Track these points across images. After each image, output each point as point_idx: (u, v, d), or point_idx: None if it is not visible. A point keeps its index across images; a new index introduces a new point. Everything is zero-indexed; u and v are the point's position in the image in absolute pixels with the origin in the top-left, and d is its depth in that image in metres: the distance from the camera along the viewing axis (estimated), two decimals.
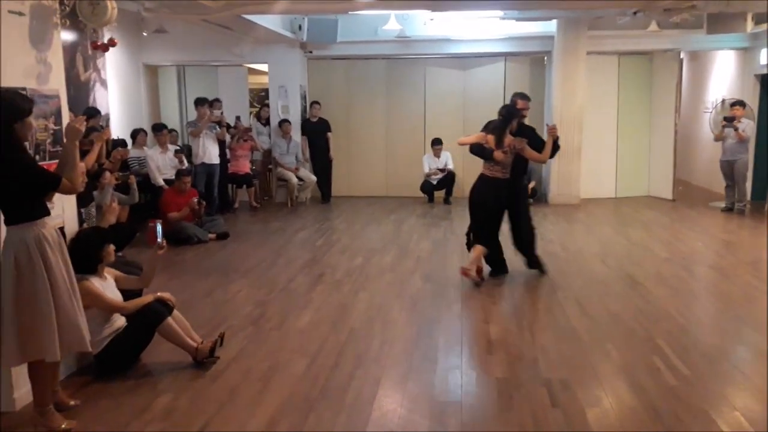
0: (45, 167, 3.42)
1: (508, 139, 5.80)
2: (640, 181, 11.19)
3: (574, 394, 3.75)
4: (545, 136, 6.11)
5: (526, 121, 6.24)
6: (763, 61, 9.89)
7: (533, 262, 6.31)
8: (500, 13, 8.63)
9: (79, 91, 8.85)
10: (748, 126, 9.32)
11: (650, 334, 4.67)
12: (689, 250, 7.40)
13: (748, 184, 9.78)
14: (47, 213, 3.28)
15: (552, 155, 6.06)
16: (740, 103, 9.48)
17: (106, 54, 9.53)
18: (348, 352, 4.36)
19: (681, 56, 10.72)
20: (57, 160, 3.64)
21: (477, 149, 5.99)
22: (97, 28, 4.07)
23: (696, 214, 9.61)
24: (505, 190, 5.92)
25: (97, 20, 3.98)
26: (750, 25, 10.05)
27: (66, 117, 4.07)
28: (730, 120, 9.28)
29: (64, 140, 3.42)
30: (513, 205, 6.08)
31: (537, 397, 3.73)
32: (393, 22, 9.57)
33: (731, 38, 10.22)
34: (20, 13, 3.65)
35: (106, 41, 4.13)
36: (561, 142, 6.17)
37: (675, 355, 4.27)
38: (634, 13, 7.66)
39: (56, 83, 4.00)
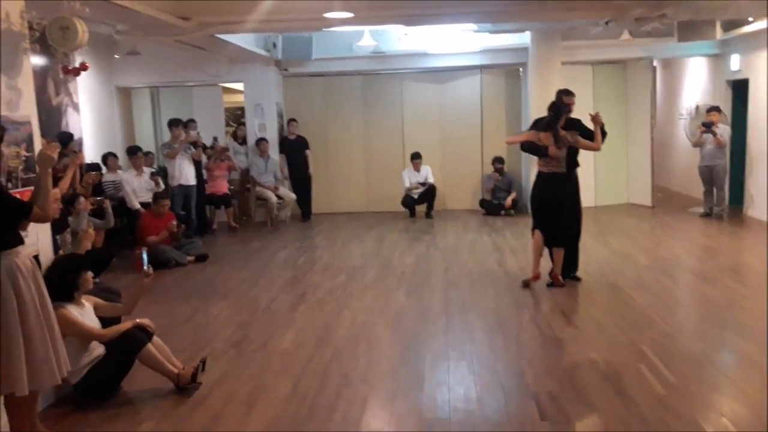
0: (16, 195, 3.34)
1: (561, 133, 5.89)
2: (620, 189, 11.28)
3: (561, 406, 3.73)
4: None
5: None
6: (734, 67, 10.06)
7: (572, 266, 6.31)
8: (474, 26, 8.68)
9: (50, 115, 8.73)
10: (725, 131, 9.45)
11: (635, 342, 4.67)
12: (670, 257, 7.44)
13: (726, 189, 9.90)
14: (20, 242, 3.19)
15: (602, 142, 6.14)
16: (716, 109, 9.62)
17: (78, 78, 9.44)
18: (333, 372, 4.30)
19: (654, 64, 10.87)
20: (30, 188, 3.56)
21: (529, 147, 6.13)
22: (67, 52, 3.98)
23: (675, 220, 9.70)
24: (565, 183, 6.04)
25: (67, 44, 3.92)
26: (719, 32, 10.21)
27: (38, 143, 3.99)
28: (708, 125, 9.40)
29: (36, 168, 3.33)
30: (569, 198, 6.13)
31: (525, 411, 3.70)
32: (368, 38, 9.59)
33: (702, 45, 10.38)
34: None
35: (77, 65, 4.02)
36: None
37: (661, 362, 4.27)
38: (606, 22, 7.74)
39: (27, 109, 3.92)
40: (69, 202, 6.55)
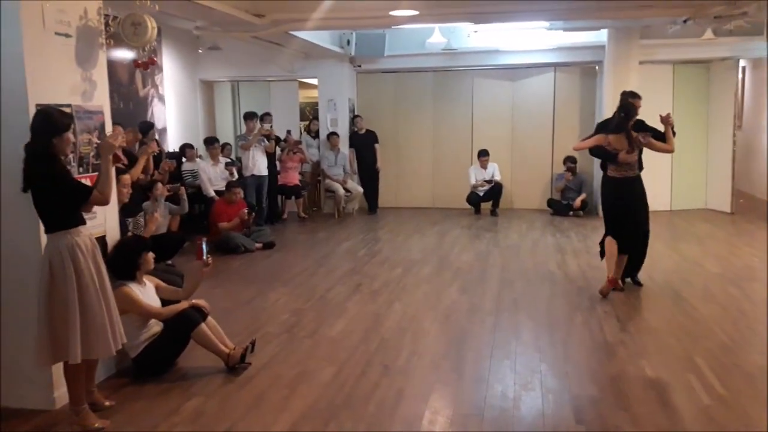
0: (78, 179, 3.62)
1: (633, 135, 5.74)
2: (697, 193, 10.83)
3: (600, 411, 3.68)
4: None
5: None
6: None
7: (634, 269, 6.16)
8: (546, 24, 8.55)
9: (137, 106, 9.30)
10: None
11: (689, 352, 4.53)
12: (743, 266, 7.10)
13: None
14: (82, 222, 3.46)
15: None
16: None
17: (165, 70, 9.99)
18: (376, 362, 4.40)
19: (742, 64, 10.33)
20: None
21: (599, 152, 5.95)
22: (138, 47, 4.25)
23: (755, 228, 9.22)
24: (635, 186, 5.90)
25: (138, 40, 4.19)
26: None
27: (109, 131, 4.29)
28: None
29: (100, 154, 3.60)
30: (640, 202, 5.98)
31: (562, 413, 3.68)
32: (438, 35, 9.62)
33: None
34: (67, 35, 3.89)
35: (146, 59, 4.29)
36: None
37: (713, 373, 4.14)
38: (684, 21, 7.45)
39: (100, 100, 4.22)
40: (147, 187, 6.97)
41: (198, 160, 9.28)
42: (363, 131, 10.90)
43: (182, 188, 7.81)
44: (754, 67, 12.43)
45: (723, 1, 6.24)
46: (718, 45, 9.51)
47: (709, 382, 4.00)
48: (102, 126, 4.20)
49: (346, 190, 10.58)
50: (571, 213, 10.32)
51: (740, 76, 11.63)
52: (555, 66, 10.86)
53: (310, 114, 12.91)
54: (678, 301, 5.78)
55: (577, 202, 10.35)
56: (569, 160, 10.50)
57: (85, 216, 3.56)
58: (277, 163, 10.12)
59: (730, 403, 3.74)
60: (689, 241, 8.41)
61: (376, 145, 10.90)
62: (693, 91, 10.61)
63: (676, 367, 4.29)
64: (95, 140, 4.05)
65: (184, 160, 9.20)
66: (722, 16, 6.64)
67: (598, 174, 10.43)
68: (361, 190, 10.79)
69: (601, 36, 10.08)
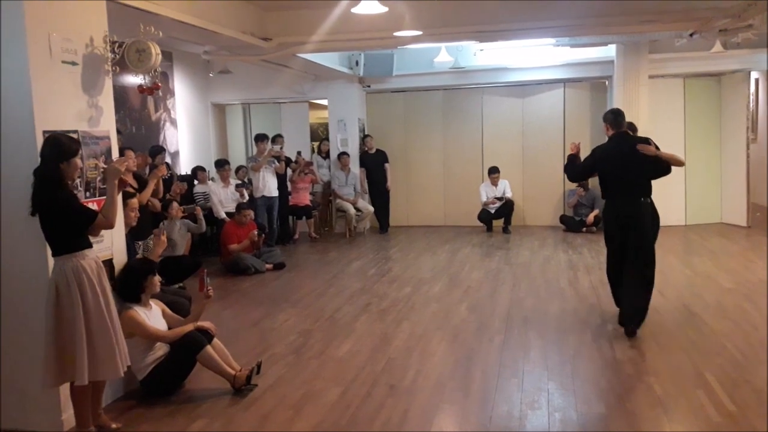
0: (84, 204, 3.68)
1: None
2: (712, 207, 10.72)
3: (607, 428, 3.64)
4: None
5: None
6: None
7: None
8: (552, 41, 8.57)
9: (150, 130, 9.44)
10: None
11: (699, 368, 4.47)
12: (757, 281, 7.00)
13: None
14: (88, 245, 3.52)
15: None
16: None
17: (177, 94, 10.15)
18: (382, 382, 4.39)
19: (754, 76, 10.25)
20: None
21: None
22: (142, 73, 4.34)
23: None
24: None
25: (142, 66, 4.27)
26: None
27: (115, 156, 4.36)
28: None
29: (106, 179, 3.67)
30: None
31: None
32: (444, 54, 9.69)
33: None
34: (73, 63, 3.98)
35: (150, 85, 4.38)
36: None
37: (722, 389, 4.08)
38: (690, 35, 7.44)
39: (106, 125, 4.29)
40: (163, 208, 7.08)
41: (209, 182, 9.38)
42: (373, 151, 10.96)
43: (198, 209, 7.91)
44: None
45: (728, 13, 6.22)
46: (728, 58, 9.49)
47: (718, 399, 3.94)
48: (108, 151, 4.27)
49: (357, 209, 10.61)
50: (584, 229, 10.26)
51: (753, 88, 11.56)
52: (564, 82, 10.87)
53: (321, 134, 13.01)
54: (689, 316, 5.71)
55: (590, 218, 10.29)
56: None
57: (92, 239, 3.62)
58: (288, 183, 10.19)
59: (738, 420, 3.68)
60: (702, 255, 8.32)
61: (387, 165, 10.95)
62: (704, 105, 10.55)
63: (686, 383, 4.23)
64: (102, 165, 4.12)
65: (195, 182, 9.30)
66: (728, 29, 6.62)
67: None
68: (371, 209, 10.83)
69: (609, 51, 10.09)
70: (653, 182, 5.48)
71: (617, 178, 5.39)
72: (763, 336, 5.19)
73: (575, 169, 5.82)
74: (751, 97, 11.19)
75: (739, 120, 10.20)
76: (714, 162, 10.60)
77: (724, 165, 10.57)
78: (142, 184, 5.96)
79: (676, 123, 10.55)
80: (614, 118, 5.50)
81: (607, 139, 5.59)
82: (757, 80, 12.29)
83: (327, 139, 11.43)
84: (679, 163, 5.51)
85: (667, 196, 10.47)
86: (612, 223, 5.48)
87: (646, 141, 5.48)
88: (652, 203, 5.49)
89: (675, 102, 10.53)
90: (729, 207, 10.54)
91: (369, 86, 11.17)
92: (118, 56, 4.26)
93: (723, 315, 5.72)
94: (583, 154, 5.87)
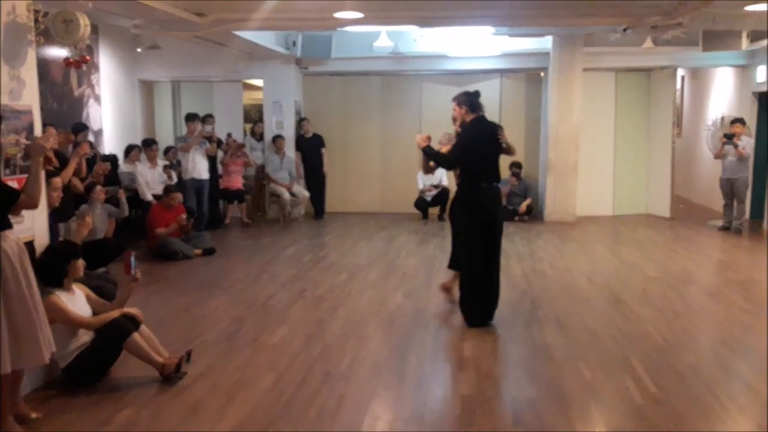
0: (9, 182, 3.45)
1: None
2: (639, 198, 11.12)
3: (538, 412, 3.71)
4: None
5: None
6: (760, 78, 9.86)
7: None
8: (491, 29, 8.65)
9: (72, 106, 8.98)
10: (747, 144, 9.25)
11: (625, 354, 4.61)
12: (680, 270, 7.31)
13: (747, 203, 9.69)
14: (8, 226, 3.30)
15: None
16: (740, 121, 9.43)
17: (101, 70, 9.69)
18: (317, 369, 4.34)
19: (680, 73, 10.66)
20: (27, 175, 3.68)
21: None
22: (69, 45, 4.09)
23: (693, 233, 9.52)
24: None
25: (70, 37, 4.03)
26: (745, 43, 10.01)
27: (39, 132, 4.11)
28: (729, 137, 9.23)
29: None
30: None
31: (500, 415, 3.70)
32: (384, 39, 9.62)
33: (727, 55, 10.18)
34: None
35: (78, 58, 4.14)
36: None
37: (647, 374, 4.22)
38: (624, 30, 7.65)
39: (29, 99, 4.04)
40: (86, 190, 6.73)
41: (137, 163, 9.01)
42: (309, 135, 10.79)
43: (121, 191, 7.57)
44: (693, 76, 12.90)
45: (660, 10, 6.42)
46: (657, 54, 9.84)
47: (643, 383, 4.08)
48: (31, 126, 4.02)
49: (292, 194, 10.45)
50: (517, 218, 10.45)
51: (679, 84, 12.04)
52: (501, 72, 11.00)
53: (255, 116, 12.72)
54: (616, 304, 5.90)
55: (523, 207, 10.50)
56: (514, 166, 10.62)
57: (12, 220, 3.40)
58: (219, 166, 9.91)
59: (662, 402, 3.82)
60: (630, 245, 8.62)
61: (323, 149, 10.81)
62: (634, 99, 10.92)
63: (613, 368, 4.37)
64: (23, 141, 3.87)
65: (120, 162, 8.92)
66: (658, 25, 6.84)
67: (543, 179, 10.67)
68: (307, 194, 10.68)
69: (546, 43, 10.27)
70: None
71: (483, 162, 5.27)
72: (685, 322, 5.42)
73: (451, 156, 5.61)
74: (677, 93, 11.66)
75: (666, 115, 10.61)
76: (642, 155, 11.00)
77: (651, 158, 10.97)
78: (64, 162, 5.66)
79: (607, 116, 10.88)
80: (474, 100, 5.33)
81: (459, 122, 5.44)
82: (683, 77, 12.83)
83: (261, 120, 11.19)
84: (514, 153, 5.53)
85: (596, 186, 10.86)
86: (479, 211, 5.28)
87: (498, 126, 5.34)
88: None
89: (606, 95, 10.84)
90: (655, 199, 10.97)
91: (306, 68, 10.98)
92: (42, 26, 4.00)
93: (648, 302, 5.94)
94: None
